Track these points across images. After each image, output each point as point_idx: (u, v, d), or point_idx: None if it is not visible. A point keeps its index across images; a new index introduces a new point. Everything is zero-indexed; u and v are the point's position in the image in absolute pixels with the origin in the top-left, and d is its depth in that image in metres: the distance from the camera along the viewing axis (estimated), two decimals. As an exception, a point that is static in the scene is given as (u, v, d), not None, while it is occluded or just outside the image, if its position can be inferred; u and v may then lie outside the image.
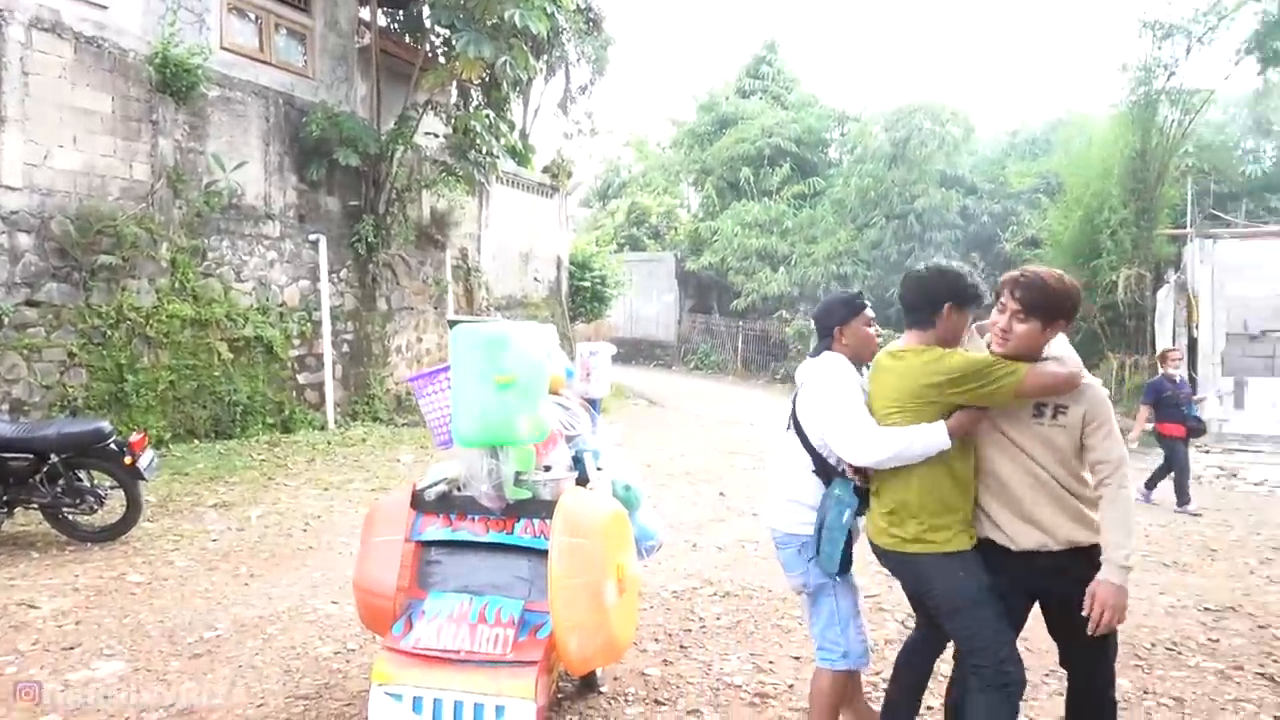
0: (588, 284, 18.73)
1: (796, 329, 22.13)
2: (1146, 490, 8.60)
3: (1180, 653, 4.42)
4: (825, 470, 2.88)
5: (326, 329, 11.14)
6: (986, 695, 2.57)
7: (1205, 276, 14.25)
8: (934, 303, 2.67)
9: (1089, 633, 2.47)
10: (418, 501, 3.19)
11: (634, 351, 26.74)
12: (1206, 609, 5.18)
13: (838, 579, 2.92)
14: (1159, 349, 14.68)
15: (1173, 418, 8.38)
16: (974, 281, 2.70)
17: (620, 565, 3.10)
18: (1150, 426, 8.70)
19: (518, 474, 3.10)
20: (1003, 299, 2.58)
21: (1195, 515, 8.10)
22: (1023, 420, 2.60)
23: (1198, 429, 8.53)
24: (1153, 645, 4.46)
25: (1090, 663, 2.69)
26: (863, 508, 2.84)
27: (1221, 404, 13.39)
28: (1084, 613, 2.47)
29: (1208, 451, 12.93)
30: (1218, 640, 4.64)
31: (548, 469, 3.25)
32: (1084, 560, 2.56)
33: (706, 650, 4.20)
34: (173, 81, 9.06)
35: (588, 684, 3.61)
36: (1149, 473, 8.65)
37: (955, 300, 2.65)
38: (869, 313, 3.00)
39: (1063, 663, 2.79)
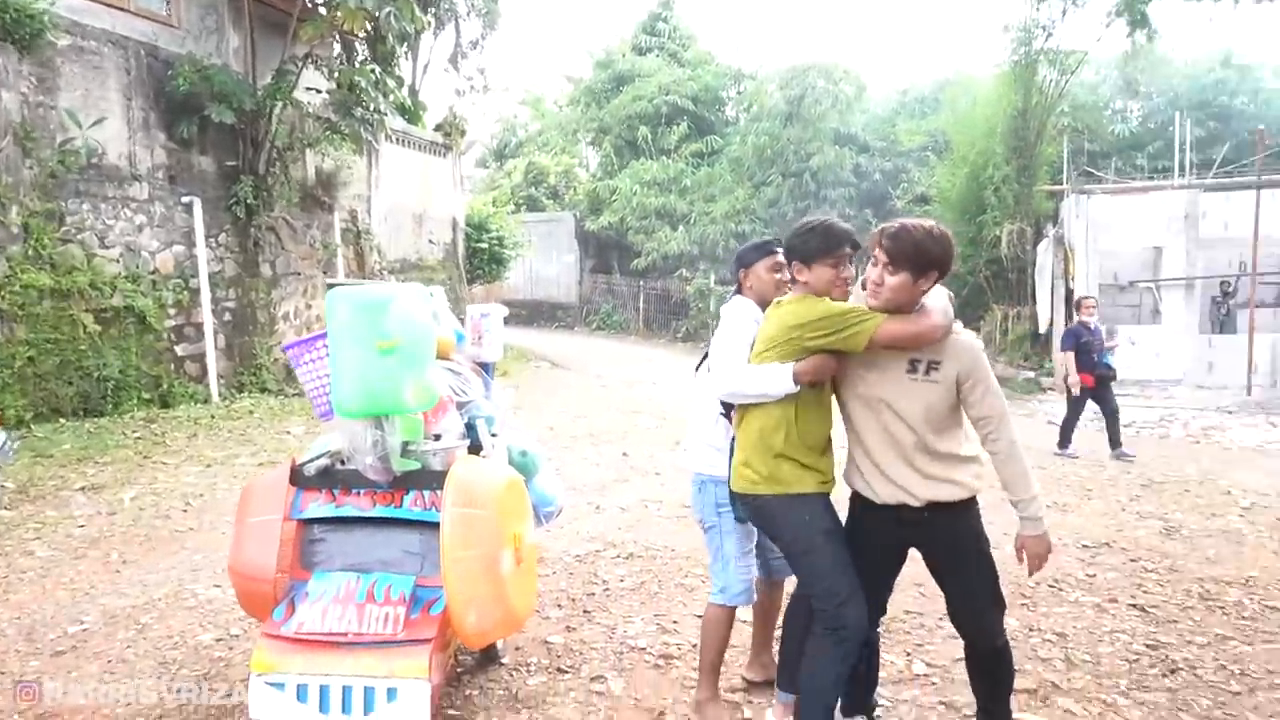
0: (485, 245, 18.31)
1: (697, 287, 22.25)
2: (1115, 449, 8.58)
3: (1062, 589, 4.63)
4: (730, 414, 2.89)
5: (205, 297, 10.51)
6: (821, 639, 2.63)
7: (1080, 231, 14.96)
8: (787, 262, 2.78)
9: (1029, 575, 2.61)
10: (298, 477, 3.00)
11: (535, 313, 26.44)
12: (1084, 546, 5.45)
13: (724, 517, 3.01)
14: (1039, 300, 15.47)
15: (1083, 365, 8.52)
16: (811, 230, 2.69)
17: (517, 534, 2.99)
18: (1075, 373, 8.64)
19: (405, 444, 2.95)
20: (875, 252, 2.56)
21: (1073, 458, 8.53)
22: (896, 374, 2.60)
23: (1109, 376, 8.66)
24: (1037, 583, 4.65)
25: (972, 613, 2.74)
26: None
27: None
28: (1020, 563, 2.59)
29: (1083, 397, 13.67)
30: (1094, 575, 4.88)
31: (438, 438, 3.10)
32: (948, 515, 2.61)
33: (610, 614, 4.16)
34: (14, 29, 8.24)
35: (488, 656, 3.51)
36: (1032, 419, 9.02)
37: (793, 257, 2.72)
38: (779, 257, 3.02)
39: (950, 617, 2.84)
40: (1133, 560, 5.17)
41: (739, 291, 3.08)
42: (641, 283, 24.99)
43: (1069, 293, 15.09)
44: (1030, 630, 4.02)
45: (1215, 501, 6.80)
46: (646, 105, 25.07)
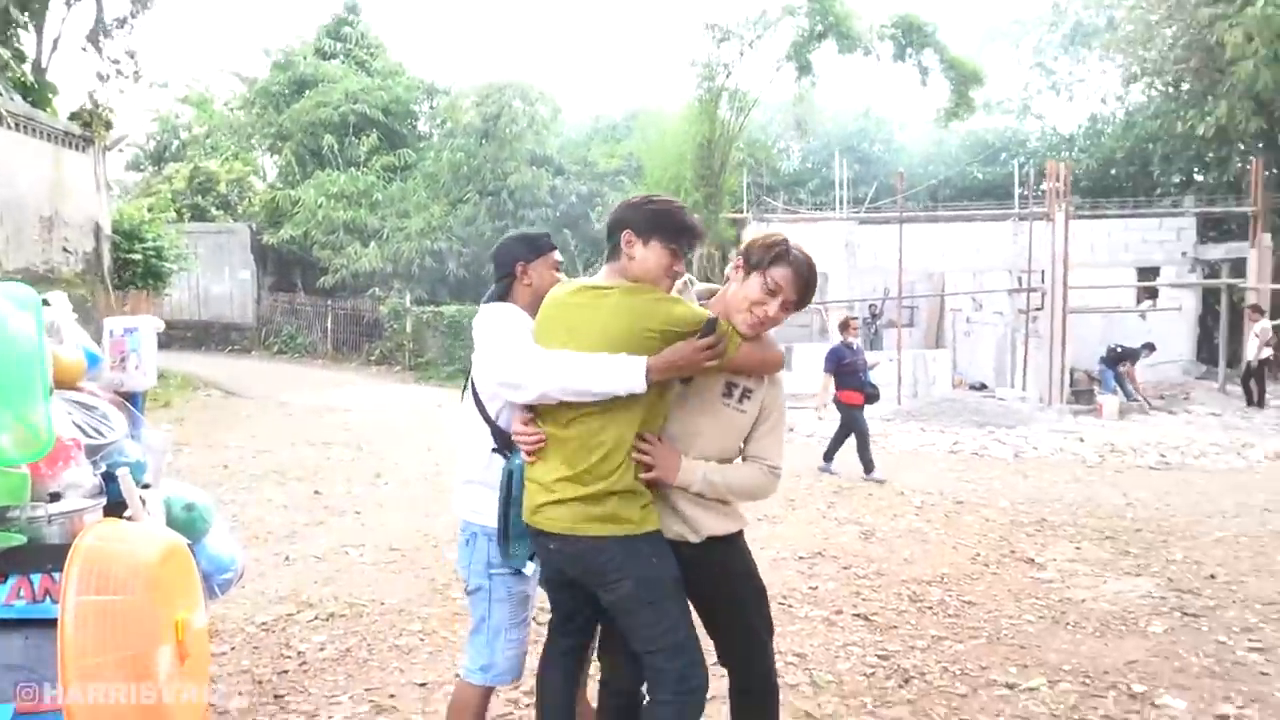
0: (139, 257, 15.77)
1: (392, 307, 21.07)
2: (826, 462, 8.59)
3: (791, 605, 4.62)
4: (506, 444, 2.38)
5: None
6: (667, 706, 2.22)
7: (761, 256, 16.19)
8: (612, 229, 2.29)
9: (630, 453, 2.18)
10: None
11: (204, 335, 23.55)
12: (801, 557, 5.57)
13: (496, 581, 2.47)
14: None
15: (850, 385, 8.51)
16: (660, 206, 2.30)
17: (181, 621, 2.22)
18: (832, 394, 8.69)
19: (1, 511, 2.07)
20: (770, 283, 2.24)
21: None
22: (710, 398, 2.32)
23: (874, 395, 8.78)
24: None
25: (746, 655, 2.49)
26: None
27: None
28: (635, 453, 2.18)
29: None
30: (816, 587, 4.96)
31: (55, 497, 2.24)
32: (724, 548, 2.38)
33: (309, 695, 3.39)
34: None
35: (139, 783, 2.63)
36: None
37: (629, 226, 2.26)
38: (556, 256, 2.61)
39: (720, 659, 2.57)
40: (845, 568, 5.36)
41: (504, 296, 2.55)
42: (329, 302, 23.14)
43: (753, 314, 16.23)
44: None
45: (894, 503, 7.40)
46: (332, 113, 23.41)
